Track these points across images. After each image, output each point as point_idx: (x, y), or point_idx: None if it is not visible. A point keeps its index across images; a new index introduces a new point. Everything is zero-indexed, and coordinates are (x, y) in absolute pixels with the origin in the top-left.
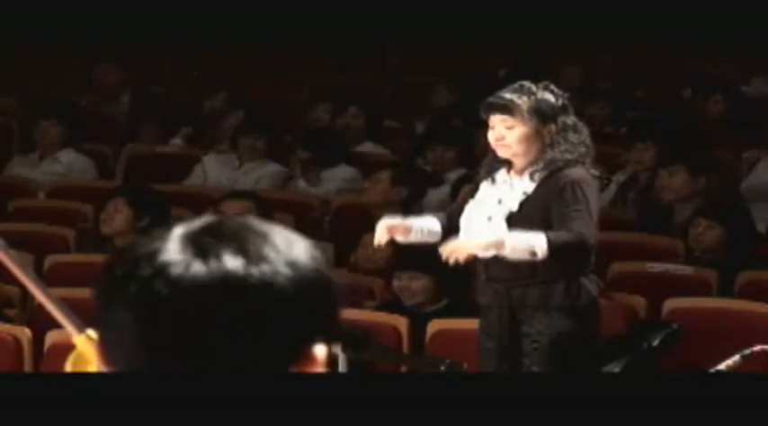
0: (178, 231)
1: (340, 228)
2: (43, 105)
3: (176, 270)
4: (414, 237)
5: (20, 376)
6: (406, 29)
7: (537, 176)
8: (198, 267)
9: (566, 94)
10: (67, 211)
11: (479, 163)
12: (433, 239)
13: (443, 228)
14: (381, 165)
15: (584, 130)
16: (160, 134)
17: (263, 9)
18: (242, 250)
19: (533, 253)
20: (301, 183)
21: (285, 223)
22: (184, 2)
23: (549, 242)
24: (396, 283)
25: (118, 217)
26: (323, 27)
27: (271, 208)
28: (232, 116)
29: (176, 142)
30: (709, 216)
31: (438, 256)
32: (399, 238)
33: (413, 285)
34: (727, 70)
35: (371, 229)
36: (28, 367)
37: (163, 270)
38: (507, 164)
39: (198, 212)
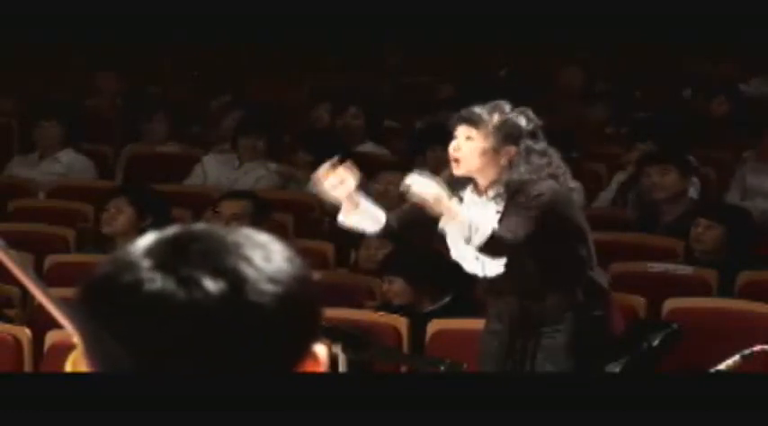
0: (145, 253)
1: (340, 228)
2: (43, 105)
3: (162, 301)
4: (357, 215)
5: (20, 376)
6: (406, 29)
7: (501, 198)
8: (182, 296)
9: (539, 123)
10: (67, 211)
11: None
12: (374, 227)
13: (387, 223)
14: (381, 165)
15: (555, 156)
16: (160, 134)
17: (263, 9)
18: (219, 272)
19: (468, 240)
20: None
21: (285, 223)
22: (184, 2)
23: (491, 237)
24: (383, 288)
25: (120, 217)
26: (323, 27)
27: (270, 208)
28: (231, 116)
29: (173, 145)
30: (709, 216)
31: (411, 257)
32: (342, 212)
33: (392, 288)
34: (727, 70)
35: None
36: (28, 367)
37: (146, 302)
38: (472, 183)
39: (198, 212)
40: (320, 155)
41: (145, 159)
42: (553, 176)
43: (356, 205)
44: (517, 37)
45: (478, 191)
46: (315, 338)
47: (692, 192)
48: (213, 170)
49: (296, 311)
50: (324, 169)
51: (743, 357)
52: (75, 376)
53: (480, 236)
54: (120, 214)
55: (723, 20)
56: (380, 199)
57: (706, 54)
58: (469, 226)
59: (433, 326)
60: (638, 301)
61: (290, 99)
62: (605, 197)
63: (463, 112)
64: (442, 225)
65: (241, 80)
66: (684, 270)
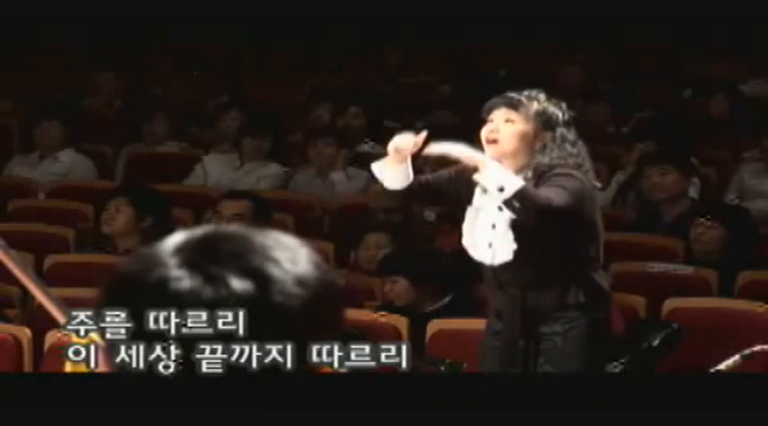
0: (173, 251)
1: (340, 228)
2: (43, 105)
3: (188, 299)
4: (393, 168)
5: (20, 376)
6: (406, 29)
7: (529, 183)
8: (209, 294)
9: (573, 115)
10: (67, 211)
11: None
12: (395, 186)
13: (409, 188)
14: None
15: (583, 149)
16: (160, 134)
17: (263, 9)
18: (247, 271)
19: (501, 189)
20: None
21: (285, 223)
22: (184, 2)
23: (523, 188)
24: (385, 288)
25: (120, 217)
26: (323, 27)
27: (270, 209)
28: (230, 116)
29: (173, 145)
30: (709, 216)
31: (412, 256)
32: (382, 162)
33: (395, 288)
34: (726, 70)
35: (371, 229)
36: (28, 367)
37: (174, 300)
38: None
39: (198, 212)
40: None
41: (145, 159)
42: (579, 166)
43: (401, 162)
44: (517, 37)
45: None
46: (337, 340)
47: (692, 192)
48: (214, 170)
49: (320, 314)
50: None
51: (743, 357)
52: (76, 376)
53: (512, 186)
54: (119, 214)
55: (723, 20)
56: (377, 196)
57: (706, 54)
58: (502, 174)
59: (433, 326)
60: (638, 301)
61: (290, 99)
62: (605, 197)
63: (501, 97)
64: (476, 177)
65: (240, 80)
66: (684, 270)
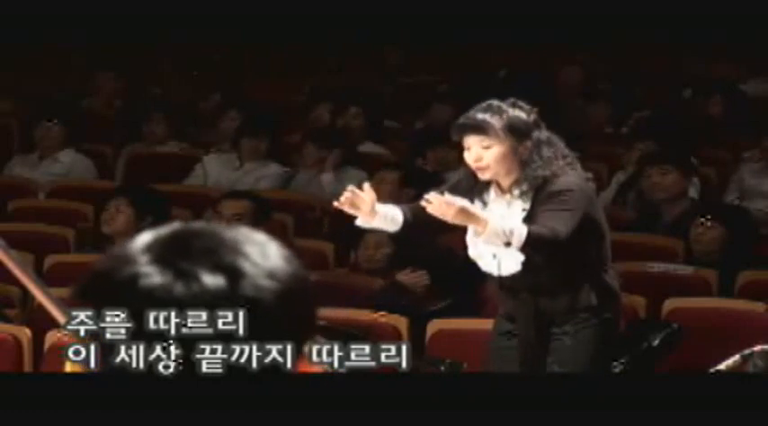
0: (144, 248)
1: (340, 228)
2: (43, 105)
3: (159, 295)
4: (375, 222)
5: (20, 376)
6: (406, 29)
7: (527, 195)
8: (180, 289)
9: (535, 109)
10: (67, 211)
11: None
12: (393, 228)
13: (405, 220)
14: (382, 165)
15: (559, 143)
16: (160, 134)
17: (263, 9)
18: (218, 266)
19: (508, 243)
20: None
21: (285, 223)
22: (184, 2)
23: (529, 235)
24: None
25: (120, 217)
26: (323, 27)
27: (270, 209)
28: (229, 116)
29: (173, 145)
30: (710, 216)
31: (436, 253)
32: (360, 220)
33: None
34: (726, 70)
35: (371, 230)
36: (28, 367)
37: (145, 296)
38: (494, 183)
39: (198, 212)
40: (325, 154)
41: (145, 159)
42: (570, 165)
43: (374, 215)
44: (517, 37)
45: (501, 191)
46: (310, 336)
47: (692, 192)
48: (213, 170)
49: (292, 308)
50: (344, 198)
51: (743, 357)
52: (75, 376)
53: (518, 238)
54: (119, 214)
55: (723, 20)
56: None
57: (706, 54)
58: (503, 231)
59: (433, 326)
60: (638, 301)
61: (290, 99)
62: (605, 197)
63: (464, 121)
64: (475, 235)
65: (240, 80)
66: (684, 270)
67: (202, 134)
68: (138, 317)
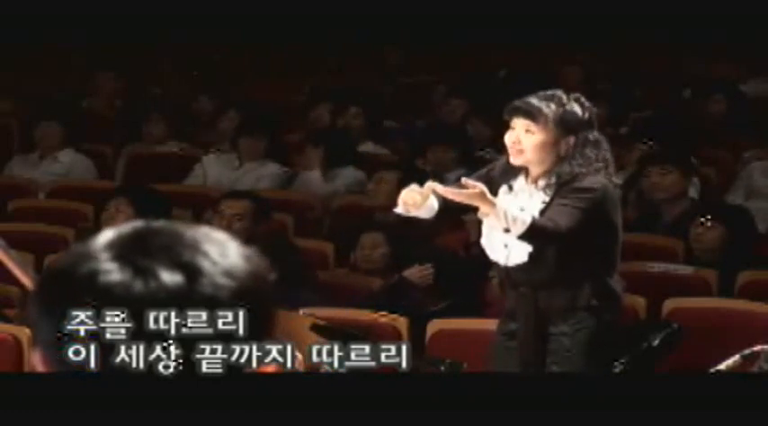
0: (105, 246)
1: (340, 228)
2: (43, 105)
3: (118, 292)
4: (422, 213)
5: (20, 376)
6: (406, 29)
7: (551, 189)
8: (139, 286)
9: (594, 109)
10: (67, 211)
11: (479, 163)
12: (427, 215)
13: (440, 207)
14: (382, 166)
15: (605, 145)
16: (160, 134)
17: (263, 9)
18: (177, 264)
19: (507, 230)
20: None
21: (285, 223)
22: (184, 2)
23: (532, 226)
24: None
25: (120, 217)
26: (323, 27)
27: (270, 209)
28: (228, 116)
29: (173, 145)
30: (710, 216)
31: (436, 253)
32: (412, 209)
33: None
34: (726, 70)
35: (370, 229)
36: (28, 367)
37: (104, 292)
38: (524, 171)
39: (198, 212)
40: (328, 155)
41: (145, 159)
42: (603, 168)
43: (416, 208)
44: (517, 37)
45: (529, 180)
46: (268, 335)
47: (692, 192)
48: (213, 170)
49: (249, 306)
50: (408, 197)
51: (743, 357)
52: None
53: (519, 226)
54: (119, 214)
55: (723, 20)
56: (373, 195)
57: (706, 54)
58: (504, 216)
59: (433, 326)
60: (638, 301)
61: (290, 99)
62: None
63: (520, 104)
64: (479, 216)
65: (240, 80)
66: (684, 270)
67: (201, 134)
68: (98, 314)
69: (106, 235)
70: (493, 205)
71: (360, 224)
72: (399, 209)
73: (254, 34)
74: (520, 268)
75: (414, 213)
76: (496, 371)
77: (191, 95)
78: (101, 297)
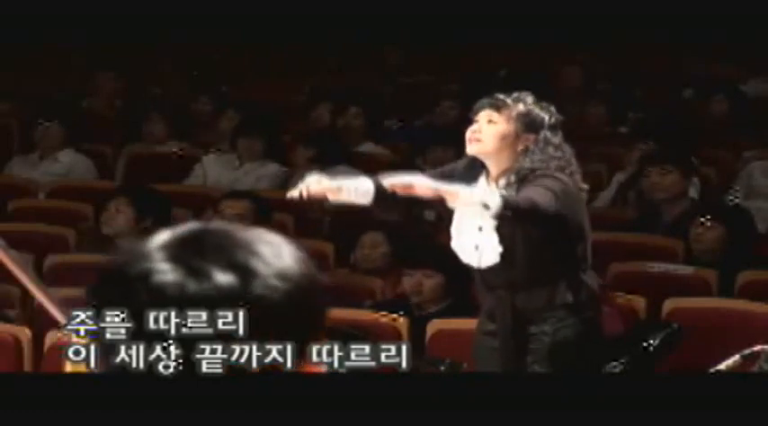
0: (160, 246)
1: (340, 228)
2: (43, 105)
3: (172, 292)
4: (345, 196)
5: (20, 376)
6: (406, 29)
7: (512, 187)
8: (192, 286)
9: (560, 118)
10: (67, 211)
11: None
12: (365, 200)
13: (378, 190)
14: (382, 166)
15: (568, 151)
16: (160, 134)
17: (263, 9)
18: (231, 265)
19: (486, 206)
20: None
21: (285, 223)
22: (184, 2)
23: (504, 200)
24: (406, 280)
25: (120, 217)
26: (323, 27)
27: (270, 208)
28: (227, 116)
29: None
30: (710, 216)
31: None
32: (330, 197)
33: (426, 282)
34: (726, 70)
35: (370, 229)
36: (28, 367)
37: (159, 293)
38: (485, 171)
39: (198, 212)
40: (322, 156)
41: (145, 159)
42: (562, 169)
43: (338, 190)
44: (517, 37)
45: (490, 180)
46: (318, 337)
47: (692, 192)
48: (213, 170)
49: (301, 308)
50: (297, 191)
51: (743, 357)
52: (75, 376)
53: (495, 198)
54: (120, 214)
55: (723, 20)
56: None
57: (706, 54)
58: (471, 196)
59: (433, 326)
60: (638, 301)
61: (290, 99)
62: (605, 197)
63: (488, 97)
64: (450, 206)
65: (240, 80)
66: (684, 270)
67: (201, 134)
68: (146, 315)
69: (162, 236)
70: (455, 193)
71: (360, 224)
72: (294, 193)
73: (254, 34)
74: (492, 269)
75: (343, 200)
76: (479, 370)
77: (191, 95)
78: (154, 297)
